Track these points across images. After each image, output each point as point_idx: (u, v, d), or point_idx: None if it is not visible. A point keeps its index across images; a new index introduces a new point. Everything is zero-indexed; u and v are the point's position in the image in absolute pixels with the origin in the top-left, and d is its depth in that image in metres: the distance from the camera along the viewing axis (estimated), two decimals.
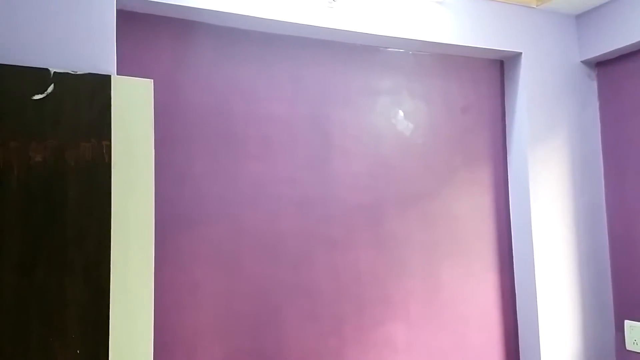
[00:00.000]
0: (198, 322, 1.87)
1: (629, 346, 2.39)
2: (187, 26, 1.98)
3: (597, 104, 2.58)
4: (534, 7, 2.46)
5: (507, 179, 2.48)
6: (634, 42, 2.32)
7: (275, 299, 2.00)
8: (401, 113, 2.32)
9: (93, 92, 1.48)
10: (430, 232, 2.29)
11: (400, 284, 2.21)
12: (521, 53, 2.42)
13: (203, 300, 1.89)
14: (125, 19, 1.83)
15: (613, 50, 2.42)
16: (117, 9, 1.71)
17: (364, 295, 2.14)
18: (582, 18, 2.56)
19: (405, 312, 2.20)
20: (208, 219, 1.93)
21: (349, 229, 2.15)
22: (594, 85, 2.59)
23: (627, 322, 2.41)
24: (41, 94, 1.42)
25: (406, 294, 2.22)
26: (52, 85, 1.45)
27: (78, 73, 1.48)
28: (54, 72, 1.45)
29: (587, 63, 2.58)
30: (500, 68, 2.54)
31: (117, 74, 1.65)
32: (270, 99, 2.08)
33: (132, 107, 1.51)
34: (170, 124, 1.92)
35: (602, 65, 2.57)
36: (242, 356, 1.92)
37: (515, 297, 2.42)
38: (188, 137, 1.95)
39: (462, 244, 2.35)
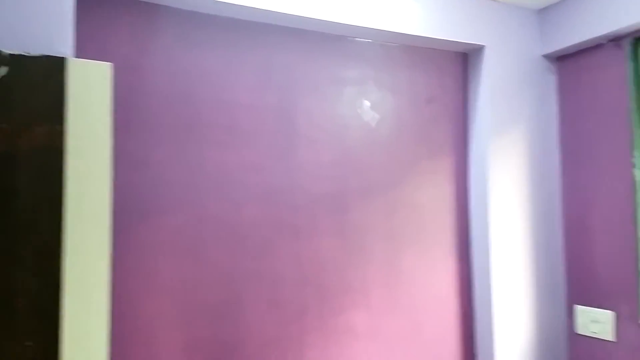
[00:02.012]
0: (158, 310, 1.86)
1: (579, 330, 2.51)
2: (151, 9, 1.93)
3: (557, 98, 2.66)
4: (498, 1, 2.50)
5: (469, 169, 2.54)
6: (593, 37, 2.39)
7: (238, 287, 2.00)
8: (367, 103, 2.34)
9: (48, 75, 1.43)
10: (393, 221, 2.33)
11: (363, 272, 2.25)
12: (484, 46, 2.46)
13: (163, 289, 1.88)
14: (86, 0, 1.78)
15: (573, 45, 2.50)
16: None
17: (327, 283, 2.17)
18: (543, 13, 2.62)
19: (366, 300, 2.25)
20: (170, 207, 1.91)
21: (312, 218, 2.16)
22: (554, 79, 2.66)
23: (577, 307, 2.52)
24: None
25: (368, 281, 2.26)
26: (5, 68, 1.39)
27: (33, 55, 1.43)
28: (8, 53, 1.40)
29: (547, 57, 2.65)
30: (464, 60, 2.58)
31: (76, 57, 1.60)
32: (236, 85, 2.06)
33: (90, 91, 1.47)
34: (131, 110, 1.88)
35: (562, 60, 2.64)
36: (203, 345, 1.92)
37: (472, 284, 2.50)
38: (150, 123, 1.91)
39: (424, 232, 2.41)
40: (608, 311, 2.39)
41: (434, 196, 2.45)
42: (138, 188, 1.87)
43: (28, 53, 1.43)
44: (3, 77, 1.38)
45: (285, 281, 2.09)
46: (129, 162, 1.85)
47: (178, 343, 1.88)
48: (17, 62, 1.40)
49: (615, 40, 2.37)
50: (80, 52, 1.71)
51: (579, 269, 2.53)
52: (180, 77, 1.97)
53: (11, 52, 1.40)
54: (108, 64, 1.51)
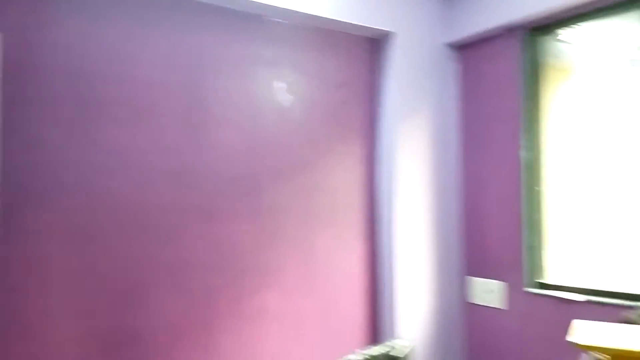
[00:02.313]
0: (49, 302, 1.74)
1: (473, 299, 2.74)
2: None
3: (458, 85, 2.82)
4: None
5: (377, 152, 2.63)
6: (491, 27, 2.56)
7: (143, 274, 1.92)
8: (281, 85, 2.32)
9: None
10: (305, 203, 2.36)
11: (276, 254, 2.26)
12: (393, 32, 2.54)
13: (55, 279, 1.75)
14: None
15: (473, 35, 2.65)
16: None
17: (239, 266, 2.15)
18: (448, 2, 2.75)
19: (280, 281, 2.27)
20: (65, 189, 1.78)
21: (224, 200, 2.13)
22: (456, 67, 2.82)
23: (471, 279, 2.75)
24: None
25: (281, 263, 2.28)
26: None
27: None
28: None
29: (450, 46, 2.79)
30: (374, 46, 2.64)
31: None
32: (142, 62, 1.94)
33: None
34: (24, 85, 1.70)
35: (464, 48, 2.80)
36: (102, 335, 1.83)
37: (378, 261, 2.62)
38: (43, 98, 1.75)
39: (335, 214, 2.47)
40: (498, 281, 2.62)
41: (345, 178, 2.51)
42: (30, 168, 1.71)
43: None
44: None
45: (195, 266, 2.04)
46: (18, 141, 1.69)
47: (73, 336, 1.77)
48: None
49: (511, 30, 2.55)
50: None
51: (473, 243, 2.75)
52: (78, 50, 1.81)
53: None
54: None
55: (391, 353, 1.81)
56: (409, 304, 2.57)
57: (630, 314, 1.78)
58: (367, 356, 1.76)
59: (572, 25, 2.41)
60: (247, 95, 2.21)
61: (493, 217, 2.67)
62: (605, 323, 1.63)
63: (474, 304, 2.75)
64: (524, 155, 2.52)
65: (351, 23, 2.39)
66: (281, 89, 2.31)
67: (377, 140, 2.63)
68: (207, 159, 2.08)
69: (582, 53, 2.89)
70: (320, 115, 2.43)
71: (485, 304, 2.68)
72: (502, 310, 2.61)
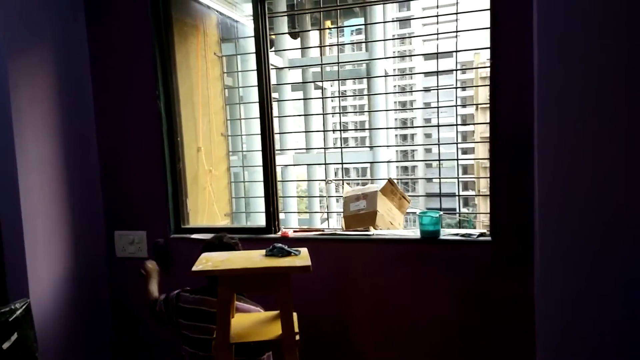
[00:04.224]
0: None
1: (119, 253, 2.69)
2: None
3: (86, 24, 2.59)
4: None
5: None
6: None
7: None
8: None
9: None
10: None
11: None
12: None
13: None
14: None
15: None
16: None
17: None
18: None
19: None
20: None
21: None
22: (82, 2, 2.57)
23: (116, 233, 2.69)
24: None
25: None
26: None
27: None
28: None
29: None
30: None
31: None
32: None
33: None
34: None
35: None
36: None
37: None
38: None
39: None
40: (142, 232, 2.65)
41: None
42: None
43: None
44: None
45: None
46: None
47: None
48: None
49: None
50: None
51: (116, 196, 2.68)
52: None
53: None
54: None
55: (7, 318, 1.59)
56: (42, 264, 2.31)
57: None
58: None
59: None
60: None
61: (136, 168, 2.65)
62: (227, 252, 1.87)
63: (119, 257, 2.70)
64: (161, 105, 2.57)
65: None
66: None
67: None
68: None
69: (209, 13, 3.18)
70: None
71: (130, 256, 2.67)
72: (146, 259, 2.64)
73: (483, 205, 10.15)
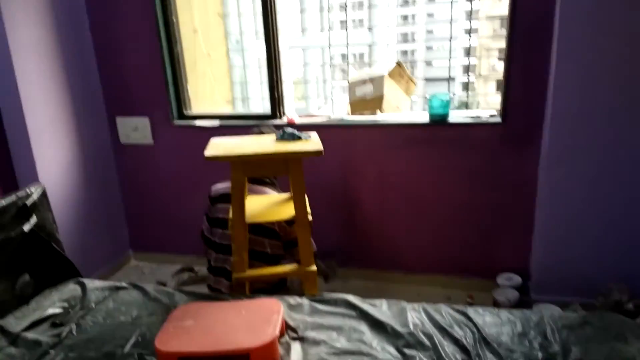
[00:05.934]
0: None
1: (122, 139, 2.68)
2: None
3: None
4: None
5: None
6: None
7: None
8: None
9: None
10: None
11: None
12: None
13: None
14: None
15: None
16: None
17: None
18: None
19: None
20: None
21: None
22: None
23: (118, 119, 2.65)
24: None
25: None
26: None
27: None
28: None
29: None
30: None
31: None
32: None
33: None
34: None
35: None
36: None
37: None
38: None
39: None
40: (145, 118, 2.61)
41: None
42: None
43: None
44: None
45: None
46: None
47: None
48: None
49: None
50: None
51: (116, 83, 2.59)
52: None
53: None
54: None
55: (24, 202, 1.62)
56: (48, 152, 2.30)
57: (255, 130, 2.06)
58: None
59: None
60: None
61: (133, 54, 2.52)
62: (237, 137, 1.85)
63: (123, 143, 2.69)
64: None
65: None
66: None
67: None
68: None
69: None
70: None
71: (134, 142, 2.66)
72: (151, 145, 2.65)
73: (482, 88, 9.99)
